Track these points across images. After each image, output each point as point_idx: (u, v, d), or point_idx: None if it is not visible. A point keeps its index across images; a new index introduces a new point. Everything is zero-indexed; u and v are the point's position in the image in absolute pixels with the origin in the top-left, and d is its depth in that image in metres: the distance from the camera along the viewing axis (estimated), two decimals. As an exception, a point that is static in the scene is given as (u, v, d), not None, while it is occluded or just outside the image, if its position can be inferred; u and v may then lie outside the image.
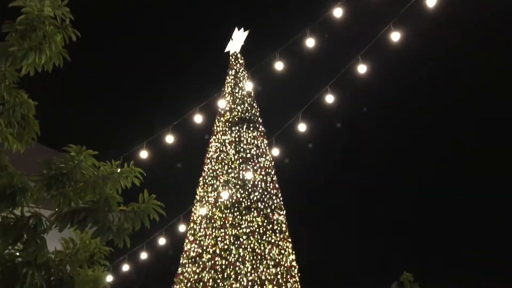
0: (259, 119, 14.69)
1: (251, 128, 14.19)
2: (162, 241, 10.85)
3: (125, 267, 10.43)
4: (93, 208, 3.97)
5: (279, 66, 8.22)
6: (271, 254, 12.25)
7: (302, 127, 8.81)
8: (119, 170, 4.28)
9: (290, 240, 13.19)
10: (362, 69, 7.93)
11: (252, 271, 11.78)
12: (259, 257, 12.06)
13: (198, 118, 9.13)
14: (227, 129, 14.15)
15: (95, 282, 4.67)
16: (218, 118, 14.53)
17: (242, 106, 14.50)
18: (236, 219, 12.63)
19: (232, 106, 14.48)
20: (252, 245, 12.19)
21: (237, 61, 15.42)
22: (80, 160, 4.01)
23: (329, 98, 8.30)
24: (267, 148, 14.07)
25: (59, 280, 4.20)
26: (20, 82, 4.37)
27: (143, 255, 10.76)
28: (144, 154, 8.73)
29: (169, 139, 8.90)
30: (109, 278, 5.21)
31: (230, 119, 14.27)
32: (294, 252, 13.09)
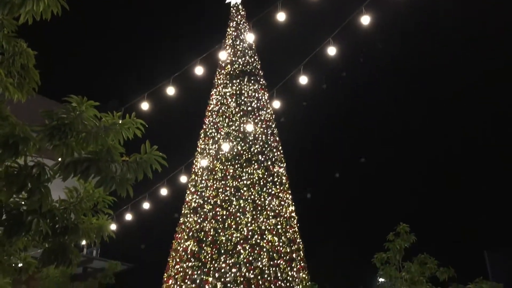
0: (260, 72, 14.59)
1: (252, 81, 14.11)
2: (164, 191, 11.00)
3: (128, 216, 10.63)
4: (95, 158, 4.01)
5: (281, 17, 8.06)
6: (271, 205, 12.46)
7: (303, 80, 8.72)
8: (120, 121, 4.29)
9: (289, 191, 13.38)
10: (365, 20, 7.77)
11: (252, 221, 12.01)
12: (259, 208, 12.27)
13: (199, 70, 9.04)
14: (228, 82, 14.08)
15: (100, 230, 4.79)
16: (219, 70, 14.43)
17: (243, 58, 14.37)
18: (237, 171, 12.77)
19: (233, 58, 14.35)
20: (252, 197, 12.38)
21: (238, 13, 15.14)
22: (82, 111, 4.02)
23: (331, 51, 8.19)
24: (268, 101, 14.04)
25: (64, 228, 4.30)
26: (19, 31, 4.31)
27: (146, 205, 10.95)
28: (145, 105, 8.71)
29: (170, 90, 8.85)
30: (113, 227, 5.32)
31: (231, 72, 14.17)
32: (293, 203, 13.31)
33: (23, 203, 4.03)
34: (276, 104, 9.83)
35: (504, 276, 8.00)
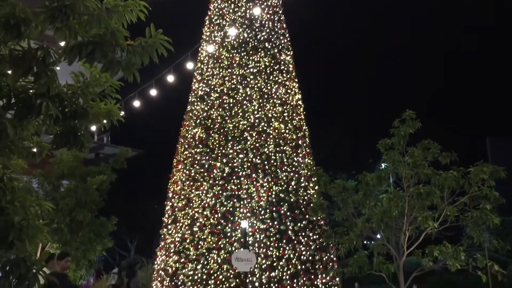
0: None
1: (259, -38, 13.34)
2: (170, 78, 10.94)
3: (136, 103, 10.73)
4: (100, 42, 3.93)
5: None
6: (277, 93, 12.47)
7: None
8: (123, 3, 4.14)
9: (296, 80, 13.30)
10: None
11: (259, 109, 12.11)
12: (265, 96, 12.30)
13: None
14: (233, -37, 13.31)
15: (109, 114, 4.84)
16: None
17: None
18: (243, 59, 12.60)
19: None
20: (259, 85, 12.35)
21: None
22: (82, -9, 3.85)
23: None
24: (275, -16, 13.39)
25: (73, 112, 4.34)
26: None
27: (153, 92, 10.97)
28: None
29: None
30: (121, 113, 5.37)
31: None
32: (300, 91, 13.29)
33: (30, 86, 4.03)
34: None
35: (504, 162, 8.21)
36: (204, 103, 12.56)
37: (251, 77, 12.40)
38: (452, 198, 8.11)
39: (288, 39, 13.57)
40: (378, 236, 8.82)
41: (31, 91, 4.03)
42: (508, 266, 19.74)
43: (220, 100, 12.33)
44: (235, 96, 12.27)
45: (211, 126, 12.17)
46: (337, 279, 11.12)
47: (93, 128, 7.29)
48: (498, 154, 36.86)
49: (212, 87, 12.57)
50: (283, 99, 12.51)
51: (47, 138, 5.26)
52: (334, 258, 11.47)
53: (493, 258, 8.16)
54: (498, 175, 7.78)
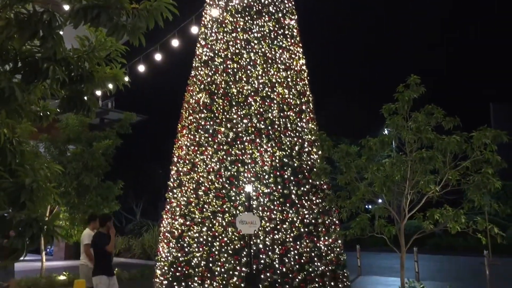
0: None
1: None
2: (175, 43, 10.88)
3: (141, 68, 10.73)
4: (105, 5, 3.94)
5: None
6: (281, 58, 12.41)
7: None
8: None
9: (300, 45, 13.21)
10: None
11: (263, 74, 12.08)
12: (269, 61, 12.25)
13: None
14: None
15: (114, 79, 4.89)
16: None
17: None
18: (247, 24, 12.48)
19: None
20: (263, 49, 12.28)
21: None
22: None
23: None
24: None
25: (80, 76, 4.39)
26: None
27: (158, 56, 10.93)
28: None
29: None
30: (126, 78, 5.40)
31: None
32: (304, 56, 13.21)
33: (37, 50, 4.07)
34: None
35: (507, 128, 8.25)
36: (208, 68, 12.53)
37: (255, 41, 12.32)
38: (454, 163, 8.18)
39: (292, 2, 13.39)
40: (380, 200, 8.95)
41: (37, 55, 4.07)
42: (507, 229, 20.06)
43: (224, 65, 12.30)
44: (239, 61, 12.23)
45: (215, 91, 12.18)
46: (339, 241, 11.36)
47: (98, 93, 7.34)
48: (501, 120, 36.78)
49: (216, 52, 12.51)
50: (287, 64, 12.46)
51: (53, 103, 5.33)
52: (337, 221, 11.68)
53: (493, 222, 8.31)
54: (501, 139, 7.82)
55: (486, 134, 7.87)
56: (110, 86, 5.05)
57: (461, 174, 8.16)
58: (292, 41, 12.84)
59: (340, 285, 10.98)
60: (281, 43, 12.53)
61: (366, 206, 9.61)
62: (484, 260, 14.64)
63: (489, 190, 7.98)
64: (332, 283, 10.85)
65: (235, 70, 12.18)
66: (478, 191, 7.97)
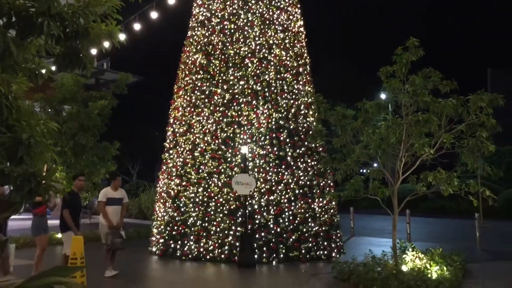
0: None
1: None
2: (171, 1, 10.68)
3: (137, 26, 10.58)
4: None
5: None
6: (279, 19, 12.23)
7: None
8: None
9: (299, 6, 13.00)
10: None
11: (260, 36, 11.94)
12: (267, 22, 12.08)
13: None
14: None
15: (110, 36, 4.81)
16: None
17: None
18: (245, -17, 12.24)
19: None
20: (260, 10, 12.09)
21: None
22: None
23: None
24: None
25: (75, 32, 4.33)
26: None
27: (154, 14, 10.75)
28: None
29: None
30: (122, 37, 5.34)
31: None
32: (302, 18, 13.03)
33: (31, 5, 3.99)
34: None
35: (503, 93, 8.25)
36: (205, 28, 12.36)
37: (253, 2, 12.12)
38: (450, 126, 8.21)
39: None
40: (375, 165, 9.02)
41: (31, 9, 3.99)
42: (499, 193, 20.38)
43: (221, 26, 12.13)
44: (236, 21, 12.05)
45: (212, 52, 12.06)
46: (333, 203, 11.52)
47: (94, 52, 7.26)
48: (498, 86, 36.74)
49: (213, 12, 12.32)
50: (285, 26, 12.30)
51: (48, 61, 5.27)
52: (331, 184, 11.81)
53: (485, 185, 8.43)
54: (497, 103, 7.82)
55: (482, 97, 7.87)
56: (106, 44, 4.99)
57: (456, 138, 8.21)
58: (290, 2, 12.63)
59: (333, 245, 11.21)
60: (279, 3, 12.33)
61: (361, 170, 9.67)
62: (475, 222, 14.95)
63: (482, 154, 8.05)
64: (325, 243, 11.07)
65: (232, 31, 12.02)
66: (472, 155, 8.04)
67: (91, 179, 13.07)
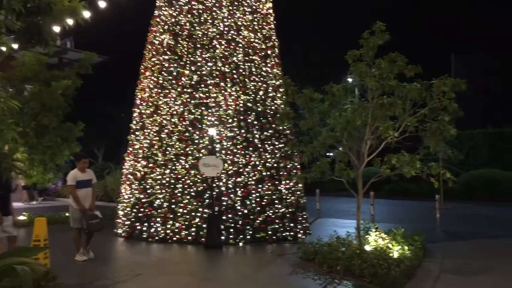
0: None
1: None
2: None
3: (102, 4, 10.26)
4: None
5: None
6: (248, 1, 12.13)
7: None
8: None
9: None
10: None
11: (229, 17, 11.84)
12: (236, 2, 11.97)
13: None
14: None
15: (73, 12, 4.70)
16: None
17: None
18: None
19: None
20: (229, -10, 11.95)
21: None
22: None
23: None
24: None
25: (37, 8, 4.20)
26: None
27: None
28: None
29: None
30: (86, 14, 5.19)
31: None
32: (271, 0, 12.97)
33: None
34: None
35: (466, 78, 8.50)
36: (172, 8, 12.16)
37: (221, -18, 11.97)
38: (413, 110, 8.39)
39: None
40: (341, 149, 9.14)
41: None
42: (459, 175, 21.06)
43: (189, 6, 11.95)
44: (204, 2, 11.90)
45: (180, 32, 11.89)
46: (300, 185, 11.66)
47: (56, 29, 7.05)
48: (462, 71, 37.72)
49: (181, -9, 12.10)
50: (254, 7, 12.22)
51: (8, 38, 5.10)
52: (298, 166, 11.93)
53: (446, 168, 8.67)
54: (459, 87, 8.02)
55: (445, 82, 8.06)
56: (69, 21, 4.86)
57: (419, 121, 8.39)
58: (260, -18, 12.52)
59: (299, 226, 11.37)
60: (248, -17, 12.21)
61: (328, 153, 9.80)
62: (436, 204, 15.44)
63: (444, 137, 8.28)
64: (292, 225, 11.22)
65: (200, 11, 11.87)
66: (434, 138, 8.25)
67: (54, 161, 12.78)
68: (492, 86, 43.19)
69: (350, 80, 10.30)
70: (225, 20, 11.80)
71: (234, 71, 11.51)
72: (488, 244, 10.98)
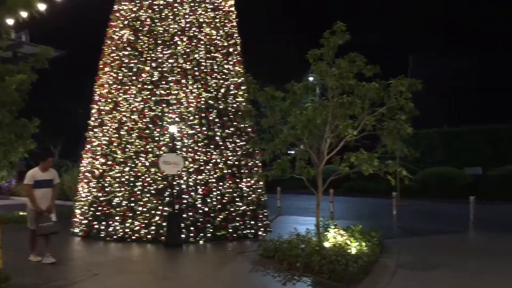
0: None
1: None
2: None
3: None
4: None
5: None
6: (210, -3, 12.08)
7: None
8: None
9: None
10: None
11: (190, 13, 11.74)
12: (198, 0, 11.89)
13: None
14: None
15: (28, 4, 4.55)
16: None
17: None
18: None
19: None
20: (191, -13, 11.85)
21: None
22: None
23: None
24: None
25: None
26: None
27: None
28: None
29: None
30: (42, 6, 5.03)
31: None
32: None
33: None
34: None
35: (423, 78, 8.77)
36: (133, 3, 11.95)
37: (183, -23, 11.84)
38: (372, 109, 8.57)
39: None
40: (302, 147, 9.24)
41: None
42: (415, 173, 21.68)
43: (150, 1, 11.78)
44: (166, -3, 11.75)
45: (140, 28, 11.71)
46: (261, 182, 11.71)
47: (10, 22, 6.81)
48: (419, 71, 38.86)
49: (141, -15, 11.91)
50: (215, 4, 12.16)
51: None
52: (259, 164, 11.97)
53: (403, 166, 8.88)
54: (415, 87, 8.25)
55: (402, 82, 8.27)
56: (24, 14, 4.71)
57: (377, 120, 8.58)
58: (222, -20, 12.47)
59: (259, 224, 11.43)
60: (210, -20, 12.14)
61: (288, 151, 9.88)
62: (393, 201, 15.84)
63: (401, 136, 8.50)
64: (252, 222, 11.26)
65: (161, 7, 11.72)
66: (391, 136, 8.46)
67: (7, 158, 12.31)
68: (454, 86, 44.71)
69: (311, 79, 10.43)
70: (187, 16, 11.70)
71: (195, 68, 11.43)
72: (443, 240, 11.36)
